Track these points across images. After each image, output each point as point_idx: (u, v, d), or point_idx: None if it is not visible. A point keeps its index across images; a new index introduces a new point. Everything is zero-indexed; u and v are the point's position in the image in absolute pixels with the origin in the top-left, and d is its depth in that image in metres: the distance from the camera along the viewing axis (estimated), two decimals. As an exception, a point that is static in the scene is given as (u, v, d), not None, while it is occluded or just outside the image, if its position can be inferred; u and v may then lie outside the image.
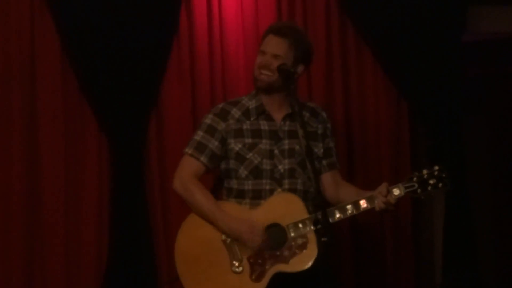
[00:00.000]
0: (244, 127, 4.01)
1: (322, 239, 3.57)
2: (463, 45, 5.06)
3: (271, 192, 3.96)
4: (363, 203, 3.87)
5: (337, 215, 3.87)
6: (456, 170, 4.85)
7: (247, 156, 3.98)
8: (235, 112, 4.04)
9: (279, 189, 3.96)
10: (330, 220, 3.80)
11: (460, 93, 5.03)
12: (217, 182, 4.14)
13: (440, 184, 3.88)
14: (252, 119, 4.00)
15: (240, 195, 3.99)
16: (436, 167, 3.88)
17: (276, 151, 3.99)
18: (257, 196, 3.96)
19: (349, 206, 3.87)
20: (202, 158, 3.99)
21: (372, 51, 5.03)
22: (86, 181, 4.74)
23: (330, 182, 4.08)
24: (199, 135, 4.02)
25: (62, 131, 4.70)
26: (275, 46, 3.98)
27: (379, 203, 3.86)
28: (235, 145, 3.99)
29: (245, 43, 4.95)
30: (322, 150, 4.08)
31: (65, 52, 4.68)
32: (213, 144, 4.01)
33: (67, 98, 4.71)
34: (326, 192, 4.08)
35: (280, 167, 3.99)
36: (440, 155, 4.96)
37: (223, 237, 3.91)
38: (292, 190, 3.98)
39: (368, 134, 5.11)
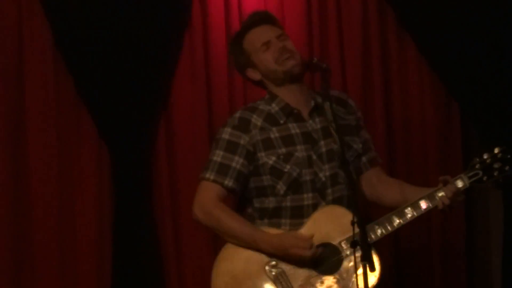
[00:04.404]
0: (272, 135, 3.70)
1: (362, 262, 3.19)
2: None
3: (315, 207, 3.66)
4: (423, 203, 3.59)
5: (396, 221, 3.58)
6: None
7: (285, 170, 3.66)
8: (256, 120, 3.73)
9: (323, 203, 3.66)
10: (389, 228, 3.57)
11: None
12: (239, 205, 3.81)
13: (507, 167, 3.61)
14: (281, 122, 3.71)
15: (276, 214, 3.69)
16: (498, 148, 3.64)
17: (314, 157, 3.69)
18: (298, 215, 3.66)
19: (408, 209, 3.58)
20: (226, 182, 3.67)
21: (416, 43, 4.74)
22: (83, 198, 4.48)
23: (373, 181, 3.82)
24: (218, 155, 3.70)
25: (54, 139, 4.45)
26: (272, 29, 3.76)
27: (443, 199, 3.57)
28: (268, 159, 3.67)
29: (268, 37, 4.72)
30: (360, 146, 3.80)
31: (58, 47, 4.45)
32: (237, 162, 3.68)
33: (60, 101, 4.47)
34: (368, 193, 3.83)
35: (321, 175, 3.68)
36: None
37: (267, 268, 3.59)
38: (338, 199, 3.67)
39: (412, 139, 4.82)
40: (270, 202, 3.68)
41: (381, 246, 4.27)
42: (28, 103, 4.42)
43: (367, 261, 3.18)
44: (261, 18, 3.76)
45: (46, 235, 4.39)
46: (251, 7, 4.58)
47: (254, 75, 3.75)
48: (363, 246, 3.21)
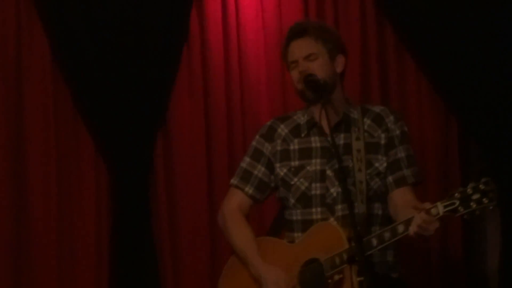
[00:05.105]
0: (291, 147, 3.73)
1: (358, 279, 3.24)
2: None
3: None
4: (400, 229, 3.43)
5: (374, 244, 3.45)
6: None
7: (292, 182, 3.69)
8: (282, 130, 3.77)
9: (332, 219, 3.62)
10: (367, 250, 3.42)
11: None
12: (281, 214, 3.84)
13: (485, 199, 3.31)
14: (302, 135, 3.73)
15: (290, 227, 3.73)
16: (483, 179, 3.34)
17: (328, 172, 3.67)
18: (308, 228, 3.65)
19: (386, 234, 3.45)
20: (247, 189, 3.77)
21: (414, 58, 4.72)
22: (81, 215, 4.46)
23: (397, 202, 3.66)
24: (245, 161, 3.81)
25: (53, 155, 4.44)
26: (302, 47, 3.69)
27: (412, 226, 3.37)
28: (281, 170, 3.73)
29: (266, 50, 4.67)
30: (385, 165, 3.68)
31: (56, 63, 4.45)
32: (259, 170, 3.76)
33: (58, 117, 4.47)
34: (391, 214, 3.67)
35: (332, 190, 3.66)
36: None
37: None
38: (347, 216, 3.55)
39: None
40: (286, 214, 3.74)
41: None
42: (26, 118, 4.40)
43: (363, 277, 3.20)
44: (298, 32, 3.71)
45: (45, 243, 4.37)
46: (249, 22, 4.61)
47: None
48: (360, 262, 3.24)
